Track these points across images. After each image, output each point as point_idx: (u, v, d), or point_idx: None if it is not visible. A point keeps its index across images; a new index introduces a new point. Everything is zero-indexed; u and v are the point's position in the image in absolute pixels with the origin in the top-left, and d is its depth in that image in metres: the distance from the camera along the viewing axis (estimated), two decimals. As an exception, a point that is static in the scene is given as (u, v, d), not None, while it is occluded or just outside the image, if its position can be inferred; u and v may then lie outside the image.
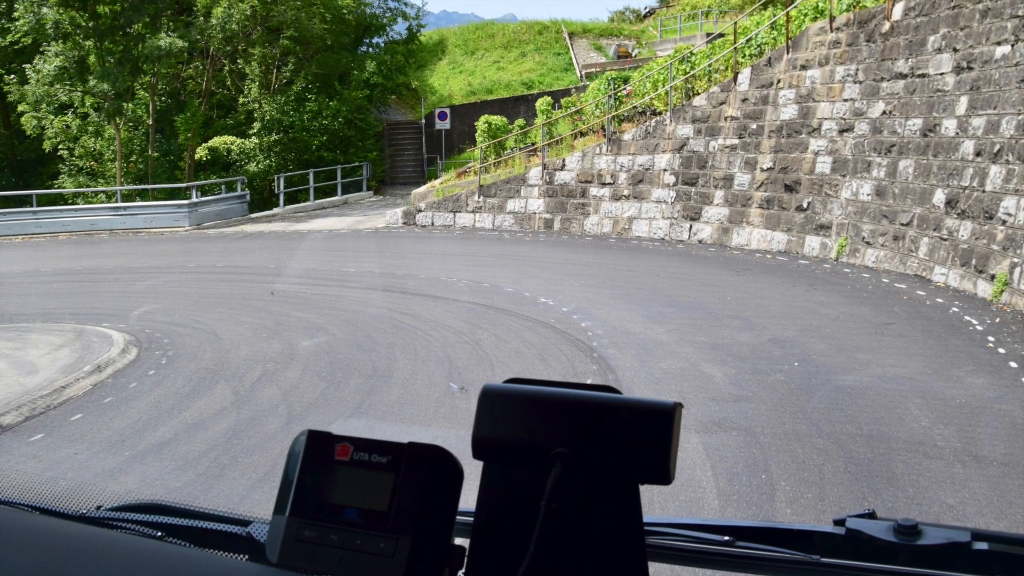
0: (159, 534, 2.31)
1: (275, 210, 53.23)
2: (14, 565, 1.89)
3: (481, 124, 47.16)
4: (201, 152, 55.95)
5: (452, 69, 74.56)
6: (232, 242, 42.22)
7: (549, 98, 48.71)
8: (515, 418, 2.04)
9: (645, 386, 16.29)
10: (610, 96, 41.96)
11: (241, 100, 60.71)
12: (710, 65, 38.34)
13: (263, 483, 12.12)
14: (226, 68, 61.00)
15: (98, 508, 2.53)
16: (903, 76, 28.36)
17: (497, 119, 47.86)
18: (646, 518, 2.09)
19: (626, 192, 38.30)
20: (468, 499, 2.07)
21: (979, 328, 19.84)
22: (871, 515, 2.42)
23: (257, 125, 57.72)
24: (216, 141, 56.55)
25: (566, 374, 17.12)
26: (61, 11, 50.94)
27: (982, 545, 2.29)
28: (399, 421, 14.85)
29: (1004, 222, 22.55)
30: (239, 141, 57.00)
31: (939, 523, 2.36)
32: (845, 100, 30.81)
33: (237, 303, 25.79)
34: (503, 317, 22.34)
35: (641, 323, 21.27)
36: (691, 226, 35.78)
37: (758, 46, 36.68)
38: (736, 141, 34.83)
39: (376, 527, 1.96)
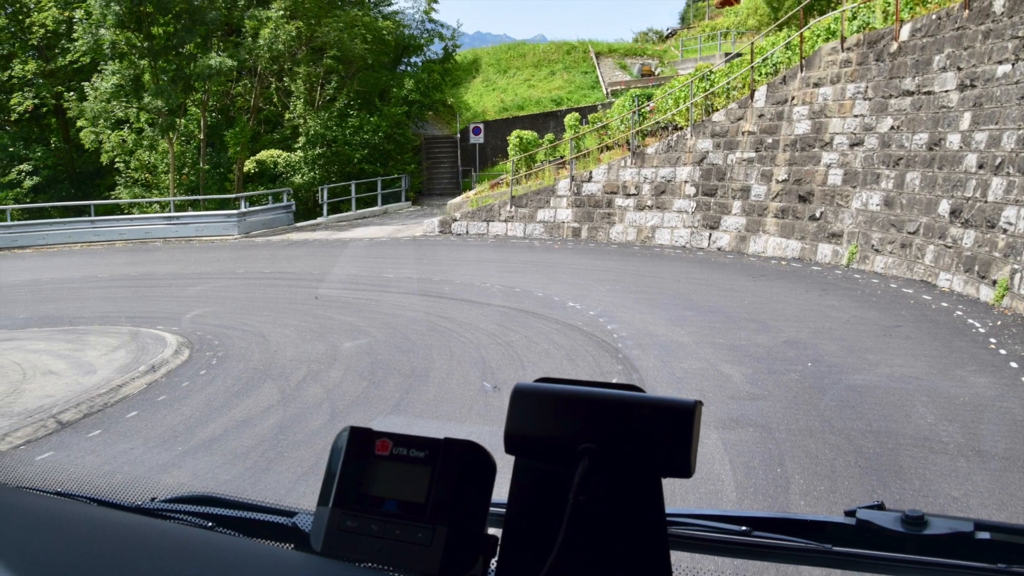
0: (210, 524, 2.33)
1: (319, 219, 53.36)
2: (74, 554, 1.90)
3: (513, 138, 47.18)
4: (249, 165, 56.07)
5: (485, 87, 74.52)
6: (278, 249, 42.28)
7: (577, 114, 48.72)
8: (545, 415, 2.04)
9: (667, 385, 16.29)
10: (634, 112, 41.94)
11: (287, 116, 60.83)
12: (728, 83, 38.30)
13: (307, 476, 12.14)
14: (273, 86, 61.11)
15: (152, 500, 2.54)
16: (910, 93, 28.30)
17: (528, 134, 47.89)
18: (668, 509, 2.10)
19: (649, 202, 38.30)
20: (501, 491, 2.08)
21: (981, 331, 19.79)
22: (880, 506, 2.42)
23: (302, 139, 57.79)
24: (263, 154, 56.68)
25: (593, 374, 17.11)
26: (117, 32, 51.17)
27: (985, 535, 2.29)
28: (436, 418, 14.86)
29: (1005, 231, 22.49)
30: (285, 154, 57.14)
31: (944, 514, 2.36)
32: (855, 116, 30.77)
33: (283, 307, 25.83)
34: (533, 320, 22.34)
35: (663, 326, 21.25)
36: (710, 234, 35.76)
37: (773, 65, 36.65)
38: (753, 154, 34.81)
39: (414, 518, 1.97)
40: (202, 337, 21.79)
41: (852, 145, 30.62)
